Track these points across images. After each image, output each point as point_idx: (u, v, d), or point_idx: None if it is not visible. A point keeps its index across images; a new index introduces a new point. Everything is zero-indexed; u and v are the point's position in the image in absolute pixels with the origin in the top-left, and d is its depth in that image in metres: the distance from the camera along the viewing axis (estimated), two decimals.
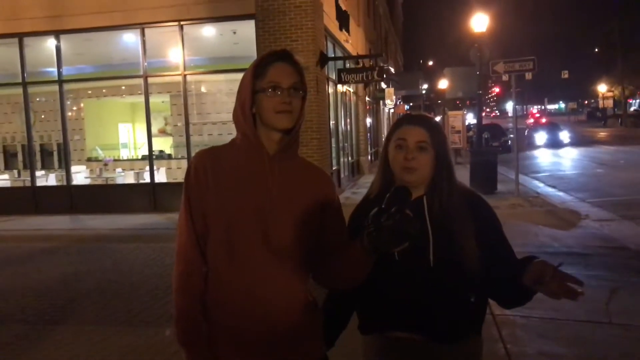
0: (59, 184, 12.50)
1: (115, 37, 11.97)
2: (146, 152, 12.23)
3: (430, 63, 64.52)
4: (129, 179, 12.61)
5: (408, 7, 63.17)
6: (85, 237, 8.95)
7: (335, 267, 1.59)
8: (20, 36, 11.66)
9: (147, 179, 11.96)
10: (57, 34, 11.60)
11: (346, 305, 1.87)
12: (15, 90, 12.23)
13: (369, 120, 22.04)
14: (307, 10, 10.45)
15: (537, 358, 3.78)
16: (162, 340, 4.22)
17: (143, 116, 11.79)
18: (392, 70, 28.04)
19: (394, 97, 26.42)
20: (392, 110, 33.25)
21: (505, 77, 13.19)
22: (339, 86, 14.19)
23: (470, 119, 39.83)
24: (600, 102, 61.93)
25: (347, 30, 14.97)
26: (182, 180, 1.63)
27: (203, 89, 12.82)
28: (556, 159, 21.48)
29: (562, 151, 24.55)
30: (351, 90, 16.89)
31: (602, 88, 61.67)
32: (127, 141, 15.89)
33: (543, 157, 22.24)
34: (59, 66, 11.78)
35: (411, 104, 39.36)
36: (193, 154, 1.70)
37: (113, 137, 15.37)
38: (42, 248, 8.09)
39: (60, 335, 4.49)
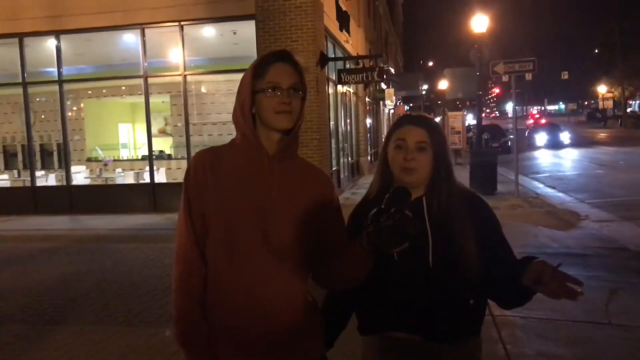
0: (58, 184, 12.50)
1: (116, 38, 11.98)
2: (146, 153, 12.23)
3: (430, 64, 64.57)
4: (128, 179, 12.61)
5: (408, 7, 63.23)
6: (85, 237, 8.95)
7: (335, 267, 1.59)
8: (21, 36, 11.67)
9: (147, 179, 11.96)
10: (57, 34, 11.61)
11: (345, 305, 1.88)
12: (15, 90, 12.22)
13: (368, 121, 22.04)
14: (307, 10, 10.45)
15: (536, 359, 3.78)
16: (161, 340, 4.22)
17: (143, 116, 11.80)
18: (392, 70, 28.03)
19: (394, 97, 26.43)
20: (392, 111, 33.26)
21: (505, 78, 13.21)
22: (339, 87, 14.19)
23: (470, 119, 39.81)
24: (600, 103, 61.98)
25: (348, 31, 14.98)
26: (182, 181, 1.63)
27: (203, 89, 12.82)
28: (556, 159, 21.49)
29: (562, 152, 24.55)
30: (351, 90, 16.90)
31: (602, 89, 61.71)
32: (127, 141, 15.89)
33: (543, 158, 22.24)
34: (59, 66, 11.78)
35: (411, 105, 39.38)
36: (193, 155, 1.70)
37: (113, 137, 15.37)
38: (42, 248, 8.09)
39: (60, 335, 4.49)
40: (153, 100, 12.08)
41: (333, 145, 13.21)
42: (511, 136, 20.82)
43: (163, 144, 13.96)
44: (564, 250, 6.73)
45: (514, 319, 4.37)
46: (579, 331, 4.20)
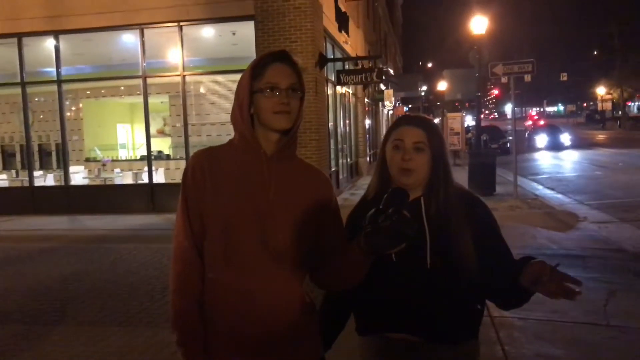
0: (57, 184, 12.49)
1: (115, 38, 11.97)
2: (145, 153, 12.22)
3: (430, 65, 64.59)
4: (127, 179, 12.60)
5: (407, 9, 63.28)
6: (83, 238, 8.94)
7: (333, 268, 1.59)
8: (19, 36, 11.66)
9: (146, 180, 11.95)
10: (56, 34, 11.60)
11: (344, 306, 1.87)
12: (13, 90, 12.22)
13: (367, 122, 22.05)
14: (306, 11, 10.46)
15: None
16: (160, 340, 4.22)
17: (142, 117, 11.80)
18: (391, 71, 28.06)
19: (393, 98, 26.43)
20: (391, 112, 33.27)
21: (504, 79, 13.21)
22: (338, 87, 14.19)
23: (469, 120, 39.85)
24: (599, 104, 62.02)
25: (347, 32, 14.98)
26: (180, 181, 1.62)
27: (202, 90, 12.82)
28: (555, 161, 21.51)
29: (562, 154, 24.57)
30: (350, 91, 16.90)
31: (600, 91, 61.76)
32: (126, 142, 15.90)
33: (543, 160, 22.27)
34: (58, 66, 11.77)
35: (410, 106, 39.39)
36: (191, 155, 1.70)
37: (112, 138, 15.37)
38: (40, 248, 8.08)
39: (58, 335, 4.48)
40: (152, 100, 12.08)
41: (332, 146, 13.21)
42: (510, 137, 20.83)
43: (162, 145, 13.96)
44: (563, 251, 6.74)
45: (512, 320, 4.37)
46: (577, 332, 4.20)
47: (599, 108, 61.60)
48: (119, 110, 15.51)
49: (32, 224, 10.46)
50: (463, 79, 16.09)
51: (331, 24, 12.94)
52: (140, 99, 11.70)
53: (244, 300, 1.52)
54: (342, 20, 14.21)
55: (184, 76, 11.37)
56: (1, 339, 4.46)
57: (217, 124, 12.36)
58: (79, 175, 12.81)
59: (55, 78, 11.84)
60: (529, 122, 53.48)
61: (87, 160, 14.03)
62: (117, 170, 13.37)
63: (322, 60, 11.26)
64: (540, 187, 13.19)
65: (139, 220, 10.33)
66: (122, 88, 13.58)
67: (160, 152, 13.63)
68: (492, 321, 4.29)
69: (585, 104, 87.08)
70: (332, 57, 13.28)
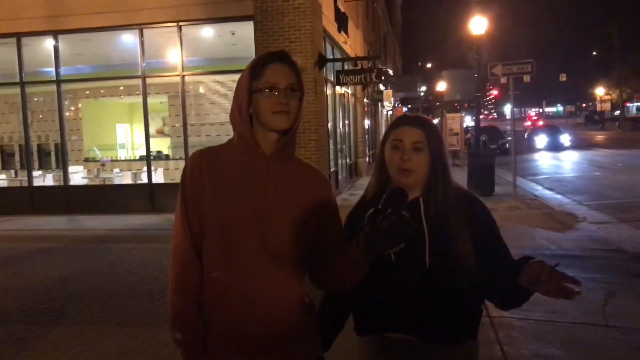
0: (56, 184, 12.49)
1: (114, 38, 11.97)
2: (144, 153, 12.21)
3: (429, 65, 64.60)
4: (126, 179, 12.59)
5: (407, 9, 63.34)
6: (82, 238, 8.93)
7: (332, 268, 1.59)
8: (19, 36, 11.64)
9: (145, 180, 11.94)
10: (55, 34, 11.59)
11: (343, 307, 1.87)
12: (12, 90, 12.20)
13: (367, 122, 22.05)
14: (305, 11, 10.45)
15: None
16: (159, 341, 4.21)
17: (141, 117, 11.79)
18: (391, 72, 28.07)
19: (392, 99, 26.42)
20: (390, 112, 33.28)
21: (503, 80, 13.21)
22: (338, 88, 14.20)
23: (468, 121, 39.86)
24: (598, 105, 62.07)
25: (346, 32, 14.98)
26: (180, 181, 1.62)
27: (201, 90, 12.82)
28: (554, 161, 21.53)
29: (561, 154, 24.58)
30: (349, 92, 16.90)
31: (600, 91, 61.83)
32: (125, 142, 15.89)
33: (542, 160, 22.28)
34: (57, 66, 11.77)
35: (409, 106, 39.40)
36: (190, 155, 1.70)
37: (111, 138, 15.36)
38: (39, 248, 8.07)
39: (57, 335, 4.48)
40: (151, 100, 12.08)
41: (331, 147, 13.21)
42: (509, 138, 20.84)
43: (161, 145, 13.96)
44: (562, 252, 6.74)
45: (511, 320, 4.37)
46: (576, 333, 4.21)
47: (598, 109, 61.62)
48: (118, 110, 15.50)
49: (31, 224, 10.46)
50: (462, 80, 16.09)
51: (330, 25, 12.94)
52: (140, 99, 11.69)
53: (243, 300, 1.52)
54: (342, 21, 14.21)
55: (183, 76, 11.37)
56: (0, 339, 4.45)
57: (216, 124, 12.35)
58: (78, 175, 12.81)
59: (54, 78, 11.83)
60: (528, 123, 53.45)
61: (86, 160, 14.02)
62: (116, 170, 13.37)
63: (322, 61, 11.26)
64: (539, 187, 13.20)
65: (138, 220, 10.32)
66: (122, 88, 13.57)
67: (159, 152, 13.62)
68: (491, 321, 4.29)
69: (584, 105, 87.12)
70: (332, 57, 13.28)
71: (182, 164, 11.97)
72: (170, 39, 11.25)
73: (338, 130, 14.81)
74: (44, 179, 12.69)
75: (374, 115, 26.20)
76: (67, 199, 11.76)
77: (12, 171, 13.33)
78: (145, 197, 11.47)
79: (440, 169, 1.73)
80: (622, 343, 4.03)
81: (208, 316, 1.56)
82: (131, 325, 4.67)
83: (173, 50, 11.34)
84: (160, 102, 13.58)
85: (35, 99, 13.12)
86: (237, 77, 1.62)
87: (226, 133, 11.38)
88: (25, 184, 12.32)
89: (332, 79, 13.19)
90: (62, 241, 8.59)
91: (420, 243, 1.66)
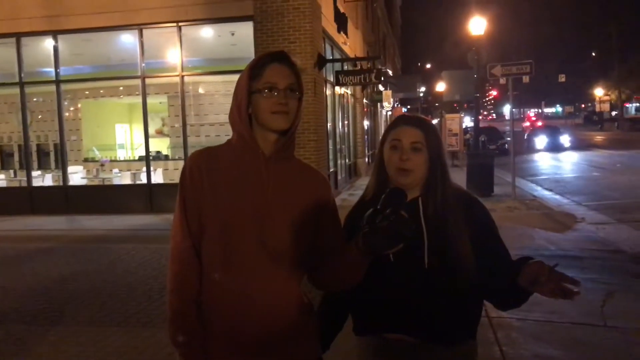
0: (55, 184, 12.48)
1: (113, 38, 11.96)
2: (143, 153, 12.21)
3: (428, 66, 64.69)
4: (125, 179, 12.58)
5: (406, 10, 63.37)
6: (81, 238, 8.92)
7: (331, 268, 1.59)
8: (18, 36, 11.64)
9: (144, 180, 11.94)
10: (55, 34, 11.58)
11: (342, 307, 1.87)
12: (12, 90, 12.19)
13: (366, 123, 22.05)
14: (305, 12, 10.46)
15: None
16: (158, 341, 4.21)
17: (140, 117, 11.79)
18: (390, 72, 28.07)
19: (391, 99, 26.43)
20: (389, 113, 33.29)
21: (502, 81, 13.22)
22: (337, 88, 14.20)
23: (468, 121, 39.89)
24: (597, 105, 62.11)
25: (345, 33, 14.99)
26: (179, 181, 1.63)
27: (201, 90, 12.81)
28: (553, 162, 21.54)
29: (560, 155, 24.59)
30: (349, 92, 16.91)
31: (598, 92, 61.88)
32: (124, 142, 15.87)
33: (541, 161, 22.29)
34: (57, 66, 11.76)
35: (409, 107, 39.42)
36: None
37: (110, 138, 15.34)
38: (38, 248, 8.07)
39: (56, 335, 4.47)
40: (150, 100, 12.07)
41: (330, 147, 13.21)
42: (508, 138, 20.85)
43: (160, 145, 13.95)
44: (560, 252, 6.75)
45: (510, 320, 4.38)
46: (575, 333, 4.21)
47: (597, 109, 61.68)
48: (118, 111, 15.49)
49: (30, 224, 10.45)
50: (461, 80, 16.08)
51: (330, 25, 12.95)
52: (139, 99, 11.69)
53: (242, 301, 1.52)
54: (341, 21, 14.21)
55: (183, 76, 11.37)
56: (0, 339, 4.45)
57: (215, 125, 12.34)
58: (77, 176, 12.80)
59: (53, 78, 11.82)
60: (527, 124, 53.46)
61: (86, 160, 14.00)
62: (116, 170, 13.36)
63: (321, 61, 11.26)
64: (538, 188, 13.20)
65: (137, 221, 10.32)
66: (121, 88, 13.56)
67: (158, 152, 13.61)
68: (490, 322, 4.29)
69: (583, 105, 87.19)
70: (331, 57, 13.29)
71: (181, 164, 11.85)
72: (169, 39, 11.25)
73: (337, 131, 14.81)
74: (43, 179, 12.68)
75: (373, 116, 26.20)
76: (66, 199, 11.75)
77: (11, 171, 13.32)
78: (144, 197, 11.47)
79: (439, 169, 1.73)
80: (620, 343, 4.03)
81: (207, 316, 1.56)
82: (130, 325, 4.67)
83: (172, 50, 11.33)
84: (160, 103, 13.57)
85: (35, 99, 13.11)
86: (236, 77, 1.63)
87: (225, 133, 11.38)
88: (24, 184, 12.31)
89: (332, 80, 13.19)
90: (61, 241, 8.59)
91: (419, 243, 1.66)
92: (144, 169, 11.93)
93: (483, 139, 21.79)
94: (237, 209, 1.54)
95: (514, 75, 11.75)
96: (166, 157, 13.54)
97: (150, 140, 11.99)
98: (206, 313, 1.56)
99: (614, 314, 4.53)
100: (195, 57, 12.04)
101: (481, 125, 20.94)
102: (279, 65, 1.56)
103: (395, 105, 33.39)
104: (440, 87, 28.04)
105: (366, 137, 21.73)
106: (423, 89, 41.01)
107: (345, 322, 1.91)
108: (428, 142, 1.71)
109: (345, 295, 1.73)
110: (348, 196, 12.59)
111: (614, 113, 55.89)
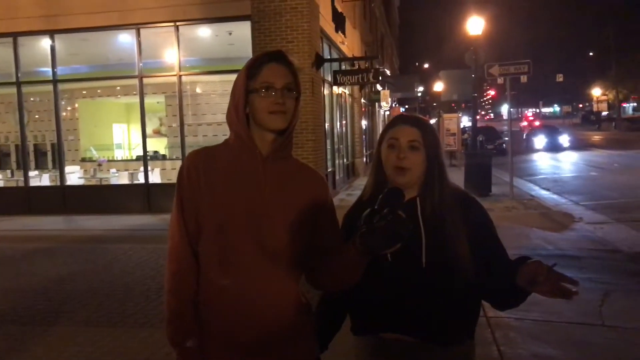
0: (52, 184, 12.46)
1: (111, 38, 11.94)
2: (141, 153, 12.19)
3: (426, 66, 64.77)
4: (123, 179, 12.57)
5: (404, 10, 63.41)
6: (78, 238, 8.91)
7: (329, 268, 1.59)
8: (15, 35, 11.61)
9: (142, 180, 11.92)
10: (52, 33, 11.56)
11: (340, 307, 1.87)
12: (9, 90, 12.16)
13: (364, 122, 22.04)
14: (303, 11, 10.45)
15: None
16: (155, 341, 4.21)
17: (138, 117, 11.77)
18: (388, 72, 28.07)
19: (389, 99, 26.42)
20: (387, 113, 33.29)
21: (500, 80, 13.22)
22: (335, 88, 14.20)
23: (465, 121, 39.92)
24: (595, 105, 62.23)
25: (343, 32, 14.98)
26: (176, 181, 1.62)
27: (198, 90, 12.80)
28: (551, 162, 21.57)
29: (558, 155, 24.62)
30: (347, 92, 16.90)
31: (596, 92, 62.01)
32: (122, 142, 15.85)
33: (540, 161, 22.32)
34: (54, 66, 11.74)
35: (407, 107, 39.42)
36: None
37: (107, 138, 15.32)
38: (35, 248, 8.05)
39: (53, 336, 4.46)
40: (148, 100, 12.05)
41: (328, 147, 13.20)
42: (506, 138, 20.87)
43: (158, 145, 13.93)
44: (558, 252, 6.75)
45: (508, 320, 4.38)
46: (573, 333, 4.21)
47: (595, 109, 61.80)
48: (115, 110, 15.47)
49: (27, 224, 10.43)
50: (459, 80, 16.08)
51: (328, 25, 12.94)
52: (137, 99, 11.67)
53: (239, 301, 1.52)
54: (339, 21, 14.20)
55: (180, 76, 11.35)
56: None
57: (213, 124, 12.33)
58: (74, 176, 12.77)
59: (51, 78, 11.80)
60: (524, 123, 53.55)
61: (83, 160, 13.98)
62: (113, 170, 13.34)
63: (319, 61, 11.26)
64: (536, 187, 13.22)
65: (134, 221, 10.30)
66: (118, 88, 13.54)
67: (156, 152, 13.60)
68: (487, 321, 4.30)
69: (580, 105, 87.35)
70: (329, 57, 13.28)
71: (178, 164, 11.90)
72: (167, 38, 11.23)
73: (335, 131, 14.80)
74: (41, 179, 12.66)
75: (371, 116, 26.19)
76: (63, 199, 11.73)
77: (9, 171, 13.30)
78: (141, 197, 11.45)
79: (437, 169, 1.73)
80: (619, 343, 4.04)
81: (205, 316, 1.56)
82: (128, 325, 4.66)
83: (170, 50, 11.32)
84: (157, 102, 13.55)
85: (32, 99, 13.08)
86: (234, 77, 1.62)
87: (223, 133, 11.32)
88: (21, 184, 12.28)
89: (330, 79, 13.18)
90: (58, 241, 8.57)
91: (416, 243, 1.65)
92: (142, 168, 11.92)
93: (481, 139, 21.82)
94: (234, 209, 1.53)
95: (512, 75, 11.77)
96: (164, 157, 13.53)
97: (148, 140, 11.98)
98: (204, 313, 1.56)
99: (612, 314, 4.54)
100: (193, 56, 12.03)
101: (479, 125, 20.98)
102: (277, 65, 1.56)
103: (393, 105, 33.39)
104: (438, 86, 28.05)
105: (364, 136, 21.72)
106: (421, 88, 41.04)
107: (343, 322, 1.90)
108: (425, 141, 1.71)
109: (343, 295, 1.73)
110: (346, 196, 12.59)
111: (606, 113, 55.97)
